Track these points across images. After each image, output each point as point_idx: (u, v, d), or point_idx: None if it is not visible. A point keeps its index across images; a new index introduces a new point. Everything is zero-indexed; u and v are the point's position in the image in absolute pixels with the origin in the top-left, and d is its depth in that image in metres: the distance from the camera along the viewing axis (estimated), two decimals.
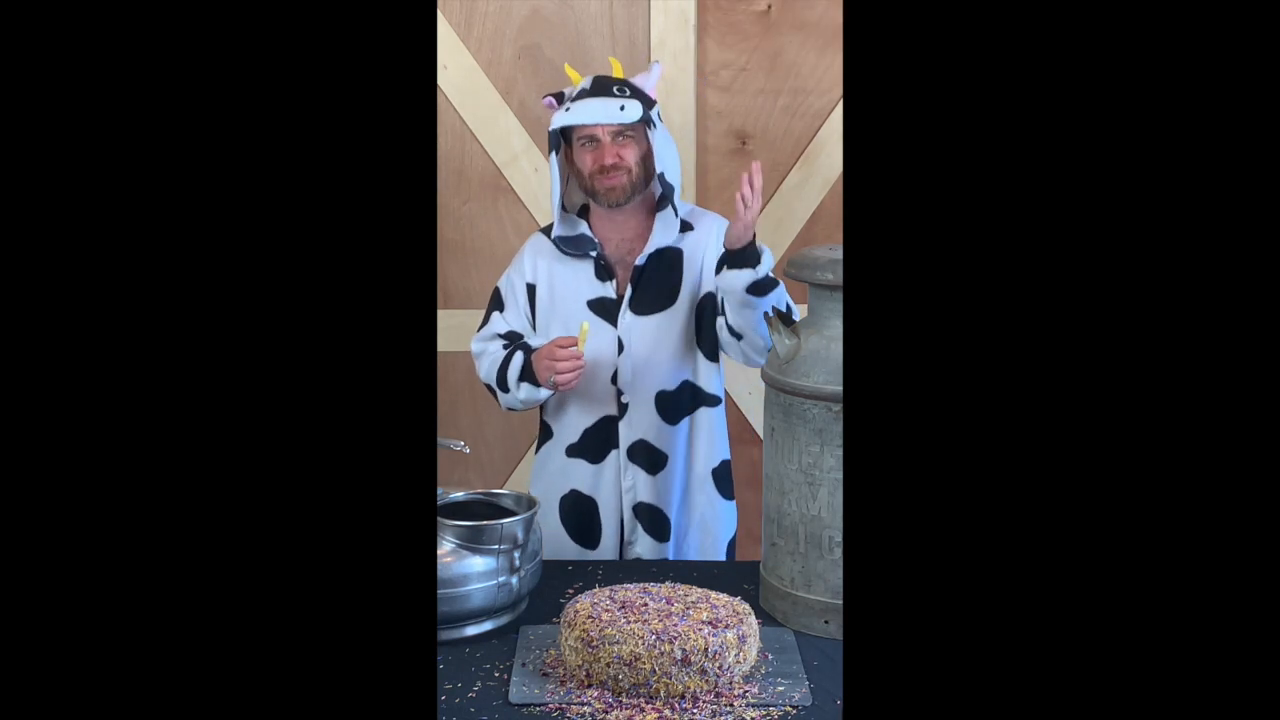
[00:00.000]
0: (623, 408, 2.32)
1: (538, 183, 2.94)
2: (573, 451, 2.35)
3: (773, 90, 2.92)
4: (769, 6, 2.88)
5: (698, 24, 2.87)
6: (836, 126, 2.89)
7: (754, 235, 2.13)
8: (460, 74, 2.90)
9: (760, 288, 2.16)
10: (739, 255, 2.14)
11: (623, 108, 2.21)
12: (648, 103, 2.25)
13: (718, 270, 2.19)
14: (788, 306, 2.24)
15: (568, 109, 2.23)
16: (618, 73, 2.30)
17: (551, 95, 2.28)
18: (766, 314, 1.98)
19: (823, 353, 1.87)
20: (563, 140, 2.30)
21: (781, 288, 2.24)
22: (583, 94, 2.24)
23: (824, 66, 2.90)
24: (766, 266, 2.17)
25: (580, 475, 2.35)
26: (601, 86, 2.24)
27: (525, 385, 2.26)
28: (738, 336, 2.26)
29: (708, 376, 2.36)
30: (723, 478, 2.38)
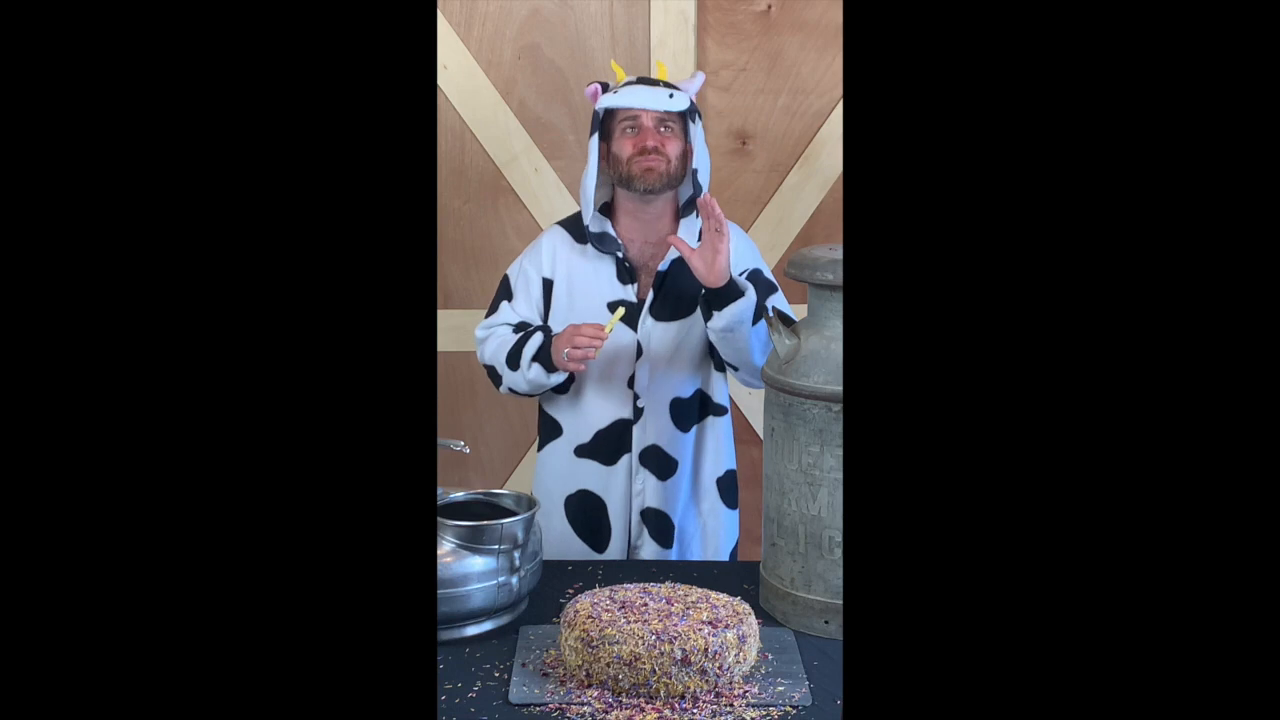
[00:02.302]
0: (638, 412, 2.31)
1: (538, 183, 2.95)
2: (583, 452, 2.33)
3: (773, 90, 2.92)
4: (769, 6, 2.88)
5: (698, 24, 2.87)
6: (836, 126, 2.89)
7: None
8: (460, 74, 2.90)
9: (756, 314, 2.18)
10: (725, 293, 2.15)
11: (671, 96, 2.22)
12: (692, 102, 2.26)
13: (707, 317, 2.20)
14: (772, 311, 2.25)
15: (615, 93, 2.24)
16: (663, 75, 2.31)
17: (597, 84, 2.29)
18: (766, 314, 1.98)
19: (823, 353, 1.87)
20: (601, 132, 2.28)
21: (775, 296, 2.24)
22: (629, 84, 2.25)
23: (824, 66, 2.90)
24: (752, 292, 2.18)
25: (590, 476, 2.33)
26: (648, 81, 2.26)
27: (537, 366, 2.22)
28: (734, 368, 2.28)
29: (717, 386, 2.36)
30: (728, 487, 2.38)
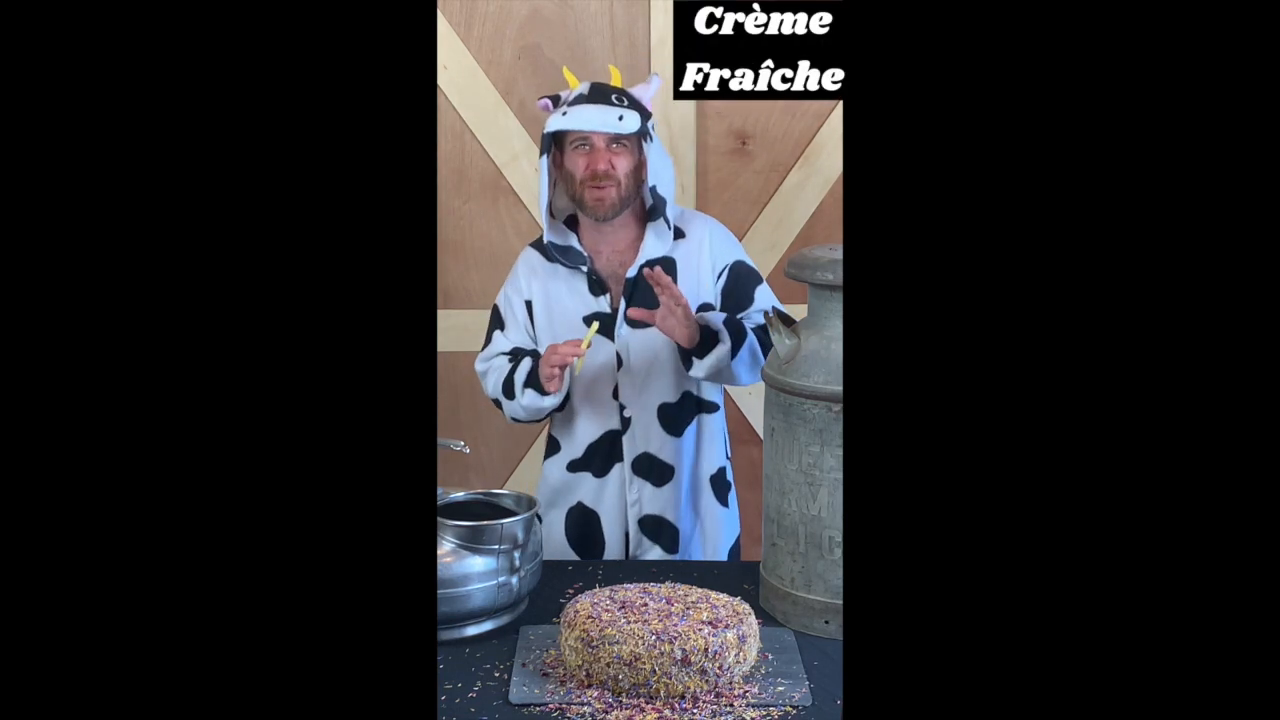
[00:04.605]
0: (625, 421, 2.30)
1: (538, 183, 2.94)
2: (575, 466, 2.33)
3: None
4: None
5: None
6: (836, 126, 2.89)
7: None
8: (460, 74, 2.90)
9: (735, 350, 2.18)
10: (701, 345, 2.16)
11: (621, 118, 2.17)
12: (644, 114, 2.21)
13: (686, 366, 2.20)
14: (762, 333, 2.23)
15: (564, 113, 2.19)
16: (616, 81, 2.26)
17: (547, 97, 2.25)
18: (766, 313, 1.97)
19: (823, 353, 1.87)
20: (554, 144, 2.26)
21: (750, 337, 2.23)
22: (580, 99, 2.20)
23: None
24: (726, 337, 2.17)
25: (584, 489, 2.33)
26: (600, 94, 2.20)
27: (530, 391, 2.23)
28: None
29: (707, 384, 2.35)
30: (720, 484, 2.37)
